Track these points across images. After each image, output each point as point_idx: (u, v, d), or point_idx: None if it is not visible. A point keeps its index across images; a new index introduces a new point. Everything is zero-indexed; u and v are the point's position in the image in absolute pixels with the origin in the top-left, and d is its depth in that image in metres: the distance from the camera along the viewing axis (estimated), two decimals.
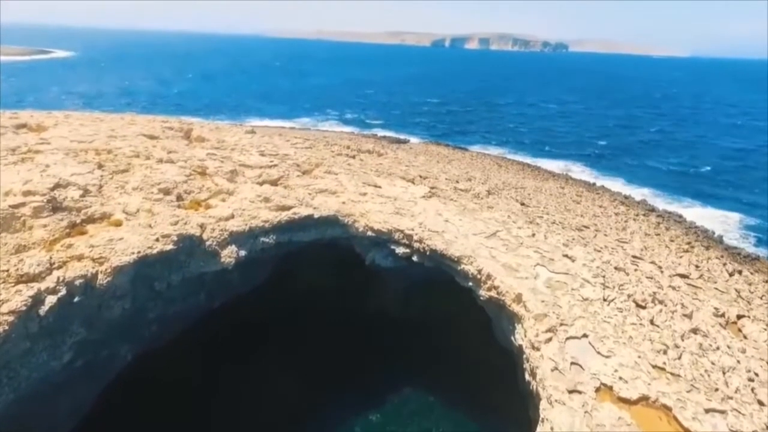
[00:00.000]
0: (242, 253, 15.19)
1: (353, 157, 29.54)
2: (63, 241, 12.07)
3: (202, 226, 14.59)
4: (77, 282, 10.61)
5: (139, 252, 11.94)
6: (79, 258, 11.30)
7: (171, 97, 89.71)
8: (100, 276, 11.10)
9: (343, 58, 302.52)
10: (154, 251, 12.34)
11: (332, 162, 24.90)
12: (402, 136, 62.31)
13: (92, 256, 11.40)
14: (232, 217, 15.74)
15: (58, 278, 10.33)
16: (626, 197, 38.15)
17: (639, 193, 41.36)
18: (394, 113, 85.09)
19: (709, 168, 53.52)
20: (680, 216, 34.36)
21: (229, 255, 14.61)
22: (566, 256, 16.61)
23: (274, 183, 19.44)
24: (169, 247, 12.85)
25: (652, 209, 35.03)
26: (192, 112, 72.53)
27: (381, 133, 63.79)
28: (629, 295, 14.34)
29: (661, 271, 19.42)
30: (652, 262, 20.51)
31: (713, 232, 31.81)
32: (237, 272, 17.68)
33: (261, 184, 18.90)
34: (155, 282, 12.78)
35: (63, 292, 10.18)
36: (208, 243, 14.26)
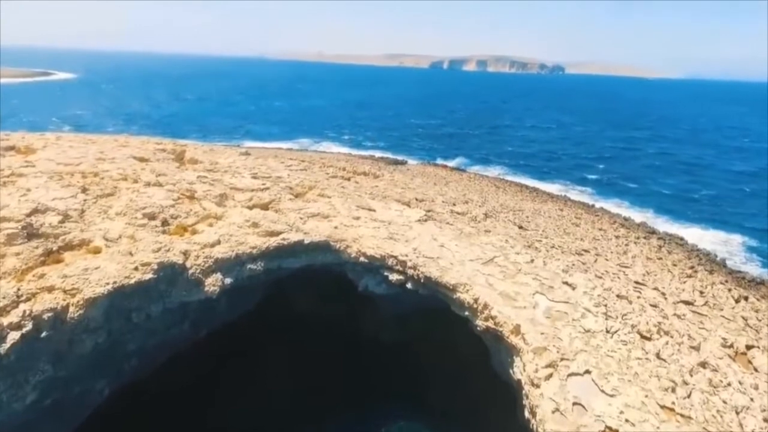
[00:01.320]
0: (228, 281, 14.53)
1: (348, 179, 29.08)
2: (35, 270, 11.45)
3: (185, 253, 13.97)
4: (45, 316, 9.95)
5: (115, 282, 11.31)
6: (50, 289, 10.66)
7: (169, 119, 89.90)
8: (71, 309, 10.45)
9: (343, 79, 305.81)
10: (132, 281, 11.69)
11: (326, 185, 24.41)
12: (400, 157, 62.09)
13: (64, 287, 10.76)
14: (219, 243, 15.12)
15: (24, 312, 9.68)
16: (626, 219, 37.63)
17: (639, 214, 40.84)
18: (392, 134, 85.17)
19: (709, 189, 53.15)
20: (682, 239, 33.78)
21: (213, 283, 13.95)
22: (566, 283, 15.97)
23: (264, 207, 18.88)
24: (149, 276, 12.21)
25: (653, 231, 34.48)
26: (189, 133, 72.47)
27: (379, 154, 63.62)
28: (633, 326, 13.67)
29: (665, 298, 18.75)
30: (655, 288, 19.85)
31: (715, 255, 31.22)
32: (224, 300, 17.01)
33: (251, 208, 18.33)
34: (133, 313, 12.09)
35: (29, 327, 9.51)
36: (191, 271, 13.62)
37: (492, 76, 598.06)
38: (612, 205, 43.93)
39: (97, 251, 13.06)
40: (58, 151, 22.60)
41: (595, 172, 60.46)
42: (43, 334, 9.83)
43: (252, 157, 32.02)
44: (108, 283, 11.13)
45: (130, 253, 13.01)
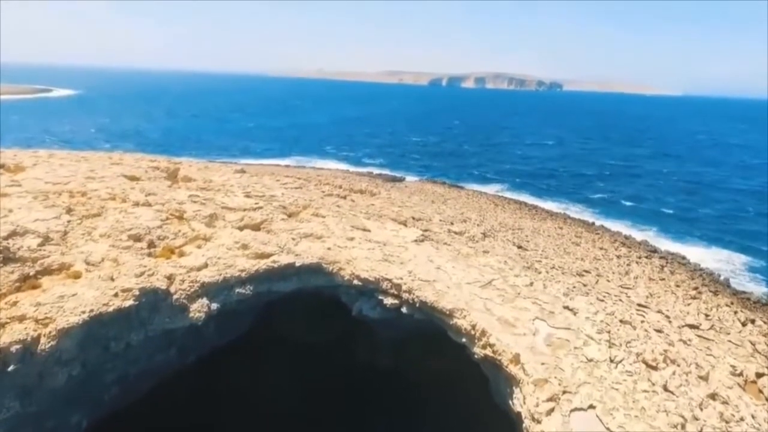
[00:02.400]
0: (214, 306, 13.92)
1: (344, 197, 28.61)
2: (8, 297, 10.88)
3: (170, 278, 13.39)
4: (14, 348, 9.35)
5: (91, 311, 10.72)
6: (21, 319, 10.07)
7: (167, 136, 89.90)
8: (42, 340, 9.85)
9: (343, 96, 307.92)
10: (110, 309, 11.11)
11: (321, 203, 23.92)
12: (398, 174, 61.87)
13: (36, 316, 10.17)
14: (206, 266, 14.55)
15: None
16: (627, 238, 37.09)
17: (640, 233, 40.35)
18: (391, 151, 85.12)
19: (710, 207, 52.75)
20: (684, 257, 33.23)
21: (198, 309, 13.34)
22: (567, 307, 15.37)
23: (255, 227, 18.35)
24: (129, 302, 11.63)
25: (655, 250, 33.94)
26: (187, 150, 72.37)
27: (377, 171, 63.38)
28: (638, 354, 13.04)
29: (670, 322, 18.14)
30: (659, 311, 19.24)
31: (719, 275, 30.63)
32: (213, 324, 16.39)
33: (241, 228, 17.79)
34: (111, 343, 11.47)
35: None
36: (175, 296, 13.02)
37: (490, 92, 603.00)
38: (612, 223, 43.45)
39: (76, 276, 12.50)
40: (48, 170, 22.15)
41: (594, 189, 60.15)
42: (10, 368, 9.22)
43: (247, 174, 31.63)
44: (84, 312, 10.55)
45: (112, 278, 12.44)
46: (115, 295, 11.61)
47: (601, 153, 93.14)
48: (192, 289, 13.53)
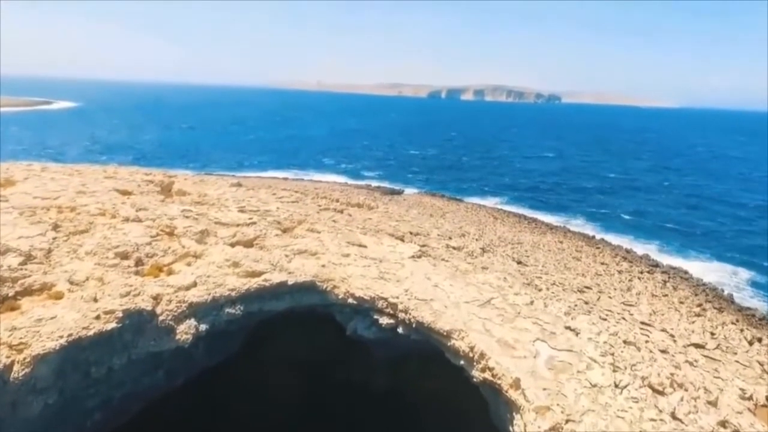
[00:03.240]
0: (203, 327, 13.41)
1: (341, 211, 28.18)
2: None
3: (156, 298, 12.88)
4: None
5: (70, 335, 10.21)
6: None
7: (166, 148, 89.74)
8: (16, 367, 9.33)
9: (342, 108, 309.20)
10: (91, 332, 10.60)
11: (316, 218, 23.47)
12: (397, 187, 61.52)
13: (10, 341, 9.66)
14: (195, 285, 14.05)
15: None
16: (628, 252, 36.59)
17: (641, 246, 39.85)
18: (390, 163, 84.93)
19: (711, 220, 52.31)
20: (686, 272, 32.71)
21: (186, 331, 12.82)
22: (569, 328, 14.84)
23: (248, 244, 17.87)
24: (111, 325, 11.12)
25: (656, 265, 33.42)
26: (185, 163, 72.14)
27: (375, 183, 63.05)
28: (644, 378, 12.49)
29: (674, 341, 17.61)
30: (663, 330, 18.71)
31: (722, 290, 30.08)
32: (202, 345, 15.86)
33: (233, 245, 17.31)
34: (92, 368, 10.95)
35: None
36: (161, 318, 12.51)
37: (489, 105, 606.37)
38: (613, 237, 42.97)
39: (58, 297, 12.01)
40: (38, 184, 21.73)
41: (594, 202, 59.78)
42: None
43: (243, 188, 31.22)
44: (62, 336, 10.03)
45: (95, 299, 11.94)
46: (97, 317, 11.11)
47: (600, 165, 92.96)
48: (179, 310, 13.03)
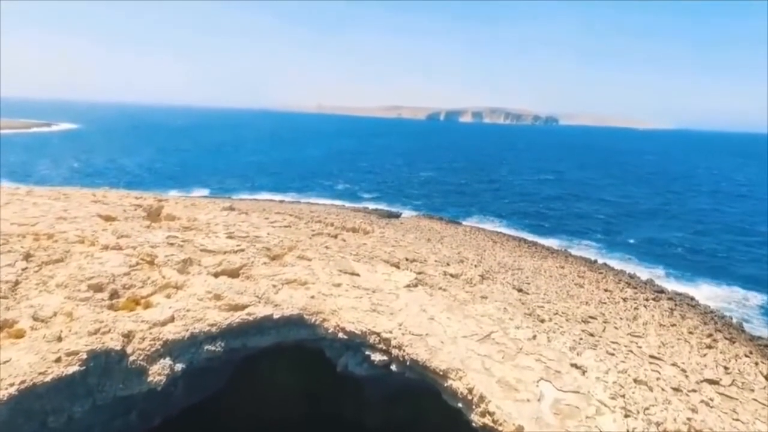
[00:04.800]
0: (179, 366, 12.39)
1: (335, 236, 27.25)
2: None
3: (128, 335, 11.89)
4: None
5: (23, 381, 9.20)
6: None
7: (163, 170, 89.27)
8: None
9: (341, 130, 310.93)
10: (48, 378, 9.59)
11: (308, 244, 22.53)
12: (394, 209, 60.72)
13: None
14: (172, 320, 13.06)
15: None
16: (632, 277, 35.56)
17: (645, 271, 38.82)
18: (388, 185, 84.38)
19: (715, 243, 51.34)
20: (692, 298, 31.65)
21: (159, 372, 11.79)
22: (575, 365, 13.80)
23: (233, 273, 16.92)
24: (73, 369, 10.12)
25: (662, 291, 32.36)
26: (181, 185, 71.49)
27: (373, 206, 62.26)
28: (659, 424, 11.45)
29: (686, 377, 16.53)
30: (674, 364, 17.62)
31: (731, 317, 28.99)
32: (181, 384, 14.78)
33: (217, 275, 16.36)
34: (49, 417, 9.90)
35: None
36: (131, 358, 11.50)
37: (487, 127, 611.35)
38: (615, 261, 41.97)
39: (18, 335, 11.02)
40: (18, 209, 20.88)
41: (595, 225, 58.90)
42: None
43: (235, 212, 30.38)
44: (13, 384, 9.02)
45: (59, 338, 10.96)
46: (57, 359, 10.11)
47: (600, 188, 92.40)
48: (153, 348, 12.02)
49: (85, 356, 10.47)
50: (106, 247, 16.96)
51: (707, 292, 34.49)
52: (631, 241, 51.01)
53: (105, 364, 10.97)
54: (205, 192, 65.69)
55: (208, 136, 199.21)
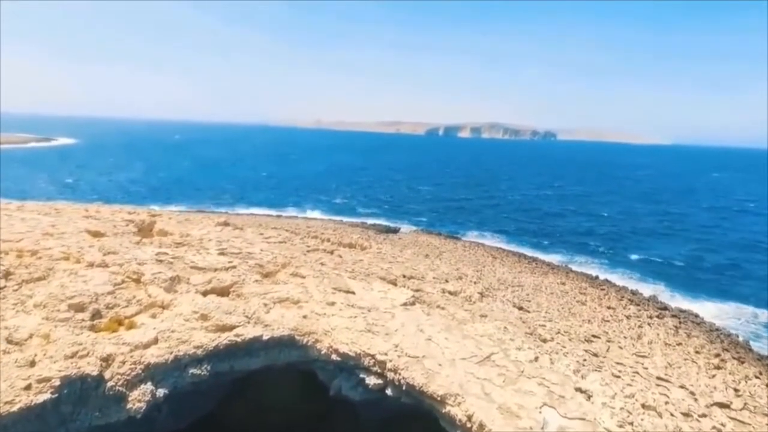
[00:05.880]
0: (161, 392, 11.71)
1: (331, 252, 26.67)
2: None
3: (107, 359, 11.24)
4: None
5: None
6: None
7: (161, 184, 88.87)
8: None
9: (340, 145, 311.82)
10: (15, 407, 8.93)
11: (302, 261, 21.95)
12: (393, 224, 60.18)
13: None
14: (155, 342, 12.42)
15: None
16: (634, 293, 34.87)
17: (647, 287, 38.15)
18: (387, 200, 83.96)
19: (717, 258, 50.68)
20: (697, 315, 30.94)
21: (139, 398, 11.12)
22: (579, 389, 13.12)
23: (223, 292, 16.30)
24: (44, 397, 9.46)
25: (665, 308, 31.65)
26: (178, 200, 70.99)
27: (371, 221, 61.69)
28: None
29: (696, 400, 15.81)
30: (682, 386, 16.92)
31: (737, 335, 28.29)
32: (166, 408, 14.04)
33: (205, 293, 15.74)
34: None
35: None
36: (110, 384, 10.83)
37: (486, 142, 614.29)
38: (617, 277, 41.31)
39: None
40: (5, 225, 20.30)
41: (596, 239, 58.29)
42: None
43: (229, 227, 29.82)
44: None
45: (32, 363, 10.32)
46: (27, 387, 9.45)
47: (600, 202, 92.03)
48: (133, 373, 11.36)
49: (58, 383, 9.81)
50: (91, 265, 16.36)
51: (711, 309, 33.78)
52: (632, 256, 50.35)
53: (80, 391, 10.29)
54: (201, 207, 65.13)
55: (206, 150, 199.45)
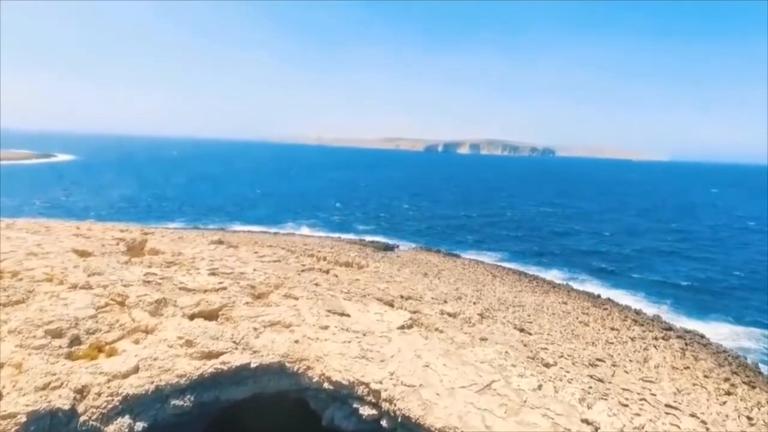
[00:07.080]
0: (140, 426, 10.98)
1: (327, 271, 25.97)
2: None
3: (82, 391, 10.54)
4: None
5: None
6: None
7: (159, 201, 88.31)
8: None
9: (340, 162, 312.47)
10: None
11: (296, 281, 21.25)
12: (391, 242, 59.47)
13: None
14: (135, 371, 11.71)
15: None
16: (638, 313, 34.05)
17: (651, 306, 37.33)
18: (386, 217, 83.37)
19: (722, 276, 49.89)
20: (703, 336, 30.11)
21: None
22: (586, 421, 12.36)
23: (211, 315, 15.61)
24: None
25: (670, 328, 30.82)
26: (176, 217, 70.39)
27: (369, 238, 61.00)
28: None
29: (708, 430, 15.01)
30: (693, 415, 16.11)
31: (745, 357, 27.42)
32: None
33: (192, 317, 15.05)
34: None
35: None
36: (83, 418, 10.12)
37: (485, 158, 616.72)
38: (619, 295, 40.51)
39: None
40: None
41: (596, 257, 57.57)
42: None
43: (223, 246, 29.17)
44: None
45: None
46: None
47: (600, 219, 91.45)
48: (110, 406, 10.64)
49: (24, 419, 9.10)
50: (74, 287, 15.70)
51: (717, 329, 32.94)
52: (634, 274, 49.57)
53: (50, 427, 9.56)
54: (197, 224, 64.48)
55: (205, 167, 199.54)
